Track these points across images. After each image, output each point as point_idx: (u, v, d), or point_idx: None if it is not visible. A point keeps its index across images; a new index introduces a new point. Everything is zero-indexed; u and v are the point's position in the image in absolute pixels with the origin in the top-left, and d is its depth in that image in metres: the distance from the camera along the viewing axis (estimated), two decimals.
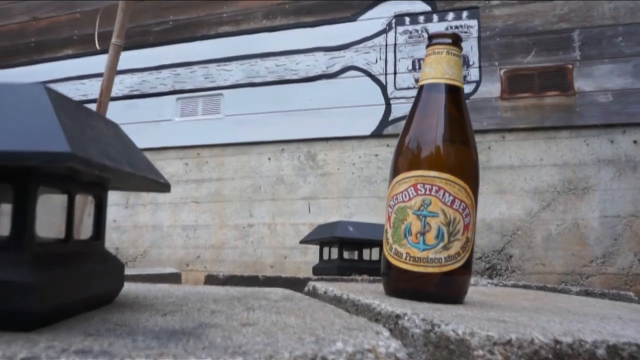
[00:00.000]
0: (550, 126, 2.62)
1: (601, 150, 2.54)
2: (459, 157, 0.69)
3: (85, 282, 0.49)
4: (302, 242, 1.65)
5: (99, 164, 0.44)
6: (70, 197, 0.51)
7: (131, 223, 3.22)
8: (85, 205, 0.58)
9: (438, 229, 0.66)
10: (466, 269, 0.68)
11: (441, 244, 0.66)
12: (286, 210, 2.96)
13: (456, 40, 0.72)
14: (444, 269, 0.66)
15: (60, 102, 0.45)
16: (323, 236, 1.52)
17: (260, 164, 3.05)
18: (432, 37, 0.73)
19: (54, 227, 0.50)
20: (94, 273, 0.51)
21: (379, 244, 1.56)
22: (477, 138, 2.86)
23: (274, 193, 3.00)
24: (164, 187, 0.60)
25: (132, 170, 0.51)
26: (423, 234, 0.66)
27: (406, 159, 0.70)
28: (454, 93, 0.71)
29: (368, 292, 0.74)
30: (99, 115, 0.57)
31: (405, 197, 0.68)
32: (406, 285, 0.67)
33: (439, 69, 0.71)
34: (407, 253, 0.67)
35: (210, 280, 1.46)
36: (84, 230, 0.57)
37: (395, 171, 0.71)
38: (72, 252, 0.51)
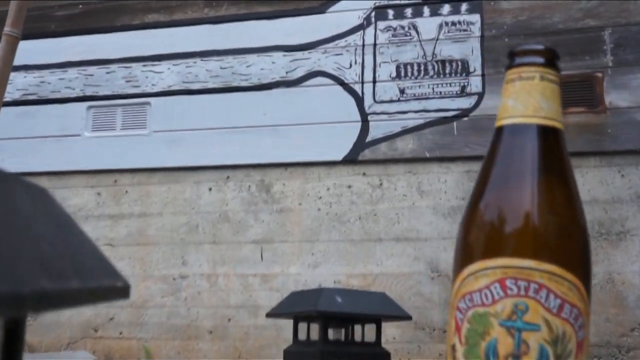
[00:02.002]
0: (574, 152, 2.56)
1: None
2: (567, 238, 0.61)
3: None
4: (269, 315, 1.52)
5: (37, 294, 0.31)
6: None
7: None
8: None
9: (540, 350, 0.56)
10: None
11: None
12: (231, 257, 2.89)
13: (552, 59, 0.63)
14: None
15: None
16: (300, 309, 1.41)
17: (198, 195, 2.98)
18: (515, 55, 0.64)
19: None
20: None
21: (374, 319, 1.46)
22: (480, 165, 2.84)
23: (216, 234, 2.93)
24: (122, 292, 0.48)
25: (82, 281, 0.39)
26: (517, 357, 0.56)
27: (484, 238, 0.61)
28: (552, 138, 0.62)
29: None
30: (15, 179, 0.43)
31: (487, 298, 0.58)
32: None
33: (529, 102, 0.62)
34: None
35: None
36: None
37: (467, 256, 0.61)
38: None
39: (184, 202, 2.99)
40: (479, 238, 0.61)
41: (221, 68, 3.04)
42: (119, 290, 0.47)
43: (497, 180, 0.62)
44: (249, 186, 2.93)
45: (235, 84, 3.01)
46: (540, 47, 0.63)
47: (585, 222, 0.63)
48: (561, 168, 0.62)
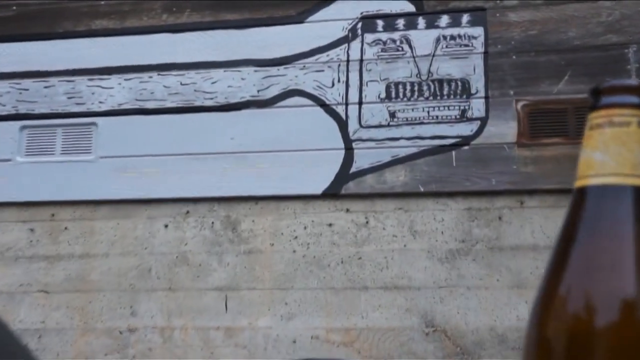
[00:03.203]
0: None
1: None
2: None
3: None
4: None
5: None
6: None
7: None
8: None
9: None
10: None
11: None
12: (190, 307, 2.88)
13: None
14: None
15: None
16: None
17: (152, 233, 2.97)
18: (603, 93, 0.57)
19: None
20: None
21: None
22: (483, 202, 2.82)
23: (172, 279, 2.92)
24: None
25: None
26: None
27: (569, 337, 0.54)
28: None
29: None
30: None
31: None
32: None
33: (625, 156, 0.55)
34: None
35: None
36: None
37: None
38: None
39: (135, 240, 2.97)
40: (560, 337, 0.54)
41: (181, 84, 3.03)
42: None
43: (585, 258, 0.55)
44: (212, 223, 2.92)
45: (197, 103, 3.01)
46: (636, 83, 0.57)
47: None
48: None
